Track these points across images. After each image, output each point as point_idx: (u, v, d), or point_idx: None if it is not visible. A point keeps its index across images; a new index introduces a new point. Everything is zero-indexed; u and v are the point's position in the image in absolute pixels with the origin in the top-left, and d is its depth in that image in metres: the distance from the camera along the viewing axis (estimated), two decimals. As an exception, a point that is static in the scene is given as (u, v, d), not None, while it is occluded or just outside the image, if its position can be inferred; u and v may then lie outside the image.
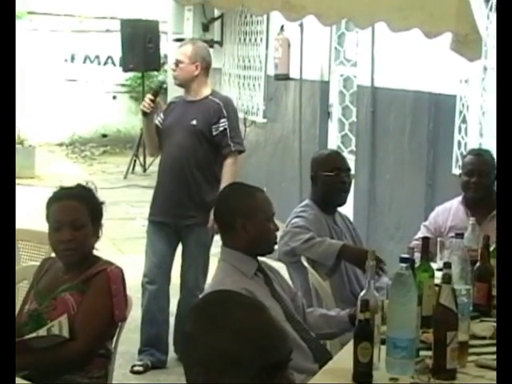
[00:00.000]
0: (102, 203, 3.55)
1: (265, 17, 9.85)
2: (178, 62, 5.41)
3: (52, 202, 3.49)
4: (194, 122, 5.33)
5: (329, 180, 4.44)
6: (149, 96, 5.41)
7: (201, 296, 3.39)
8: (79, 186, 3.59)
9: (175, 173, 5.33)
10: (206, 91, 5.46)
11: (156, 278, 5.38)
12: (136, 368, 5.33)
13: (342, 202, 4.57)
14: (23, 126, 13.17)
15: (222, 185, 5.06)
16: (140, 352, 5.39)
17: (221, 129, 5.33)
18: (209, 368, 1.75)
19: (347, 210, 5.65)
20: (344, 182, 4.49)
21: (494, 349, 3.28)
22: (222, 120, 5.34)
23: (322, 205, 4.49)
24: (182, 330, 1.87)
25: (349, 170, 4.59)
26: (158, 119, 5.50)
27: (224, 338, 1.76)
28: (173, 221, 5.34)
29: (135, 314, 3.64)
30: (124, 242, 8.49)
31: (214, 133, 5.33)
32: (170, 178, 5.37)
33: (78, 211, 3.42)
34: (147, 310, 5.37)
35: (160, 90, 5.56)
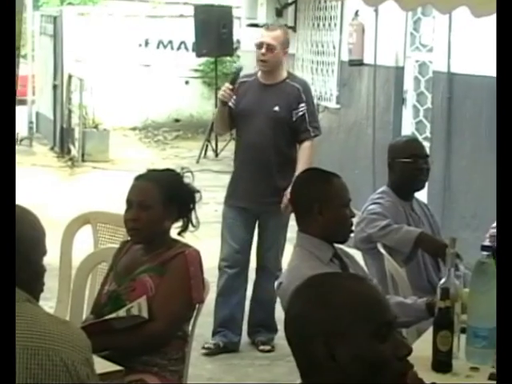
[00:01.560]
0: (195, 191, 3.57)
1: (339, 2, 9.78)
2: (270, 47, 5.31)
3: (132, 182, 3.55)
4: (277, 109, 5.31)
5: (406, 167, 4.41)
6: (227, 85, 5.34)
7: (279, 280, 3.39)
8: (167, 169, 3.64)
9: (256, 160, 5.35)
10: (284, 74, 5.47)
11: (236, 262, 5.45)
12: (207, 345, 5.39)
13: (420, 187, 4.55)
14: (98, 110, 13.34)
15: (300, 168, 5.10)
16: (214, 333, 5.45)
17: (300, 114, 5.34)
18: (328, 339, 1.86)
19: (421, 196, 5.60)
20: (421, 169, 4.46)
21: None
22: (302, 105, 5.34)
23: (400, 192, 4.45)
24: (288, 310, 1.96)
25: (427, 156, 4.55)
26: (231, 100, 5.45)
27: (339, 308, 1.88)
28: (254, 206, 5.39)
29: (209, 298, 3.67)
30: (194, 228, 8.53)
31: (294, 118, 5.35)
32: (250, 164, 5.38)
33: (147, 192, 3.45)
34: (223, 292, 5.44)
35: (237, 78, 5.48)
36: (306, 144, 5.37)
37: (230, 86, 5.30)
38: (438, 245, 4.06)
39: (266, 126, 5.32)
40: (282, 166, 5.36)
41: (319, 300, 1.90)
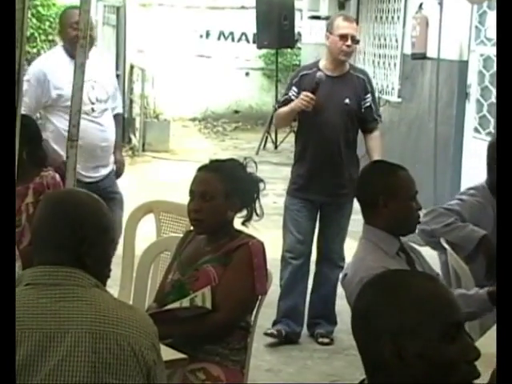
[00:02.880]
0: (258, 180, 3.58)
1: (403, -6, 9.71)
2: (354, 39, 5.38)
3: (195, 173, 3.56)
4: (347, 101, 5.35)
5: None
6: (308, 94, 5.22)
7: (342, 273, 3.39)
8: (230, 160, 3.65)
9: (326, 152, 5.37)
10: (348, 65, 5.52)
11: (300, 253, 5.48)
12: (270, 331, 5.43)
13: None
14: (159, 101, 13.43)
15: (376, 157, 5.23)
16: (276, 322, 5.47)
17: (367, 104, 5.44)
18: (396, 337, 1.84)
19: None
20: None
21: None
22: (368, 95, 5.45)
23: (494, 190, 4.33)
24: (356, 305, 1.95)
25: None
26: (291, 92, 5.40)
27: (408, 306, 1.86)
28: (320, 197, 5.43)
29: (270, 289, 3.67)
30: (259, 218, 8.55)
31: (362, 109, 5.42)
32: (320, 157, 5.38)
33: (209, 183, 3.47)
34: (288, 283, 5.48)
35: (318, 88, 5.28)
36: (376, 133, 5.51)
37: (312, 96, 5.21)
38: (494, 256, 3.96)
39: (337, 119, 5.35)
40: (349, 157, 5.42)
41: (388, 296, 1.89)
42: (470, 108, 8.60)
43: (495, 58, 8.18)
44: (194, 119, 15.53)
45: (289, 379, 5.04)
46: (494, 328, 2.96)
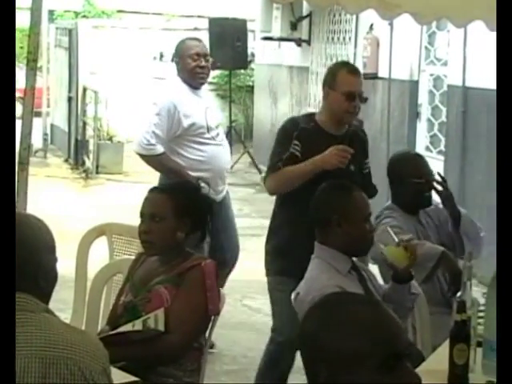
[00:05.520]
0: (211, 202, 3.58)
1: (354, 15, 9.80)
2: (362, 98, 4.33)
3: (146, 195, 3.56)
4: (352, 168, 4.35)
5: (419, 187, 4.36)
6: (346, 148, 4.20)
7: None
8: (182, 181, 3.65)
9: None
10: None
11: None
12: None
13: (429, 205, 4.48)
14: (113, 123, 13.38)
15: None
16: None
17: (367, 170, 4.58)
18: (332, 365, 1.83)
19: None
20: (430, 188, 4.42)
21: None
22: (367, 160, 4.60)
23: (407, 207, 4.40)
24: (301, 327, 1.95)
25: (432, 173, 4.49)
26: (292, 147, 4.26)
27: (346, 335, 1.84)
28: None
29: (224, 309, 3.68)
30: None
31: (363, 175, 4.53)
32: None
33: (159, 204, 3.46)
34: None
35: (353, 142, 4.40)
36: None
37: (350, 150, 4.20)
38: (457, 270, 4.00)
39: None
40: None
41: (329, 324, 1.88)
42: (421, 127, 8.71)
43: (445, 78, 8.29)
44: (149, 141, 15.46)
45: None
46: (446, 344, 2.99)
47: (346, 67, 4.45)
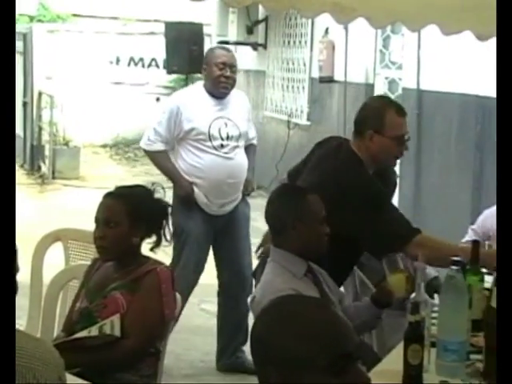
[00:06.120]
0: (166, 206, 3.57)
1: (309, 20, 9.85)
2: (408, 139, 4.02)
3: (101, 200, 3.54)
4: None
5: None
6: None
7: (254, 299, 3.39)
8: (136, 186, 3.64)
9: None
10: None
11: None
12: None
13: None
14: (68, 128, 13.29)
15: None
16: None
17: None
18: (281, 367, 1.85)
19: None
20: None
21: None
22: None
23: None
24: (252, 329, 1.97)
25: None
26: None
27: (295, 337, 1.86)
28: None
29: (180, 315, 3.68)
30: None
31: None
32: None
33: (113, 210, 3.46)
34: None
35: None
36: None
37: None
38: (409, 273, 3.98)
39: None
40: None
41: (279, 326, 1.89)
42: (377, 130, 8.76)
43: (399, 81, 8.37)
44: (104, 145, 15.41)
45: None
46: (400, 345, 3.01)
47: (393, 107, 3.94)
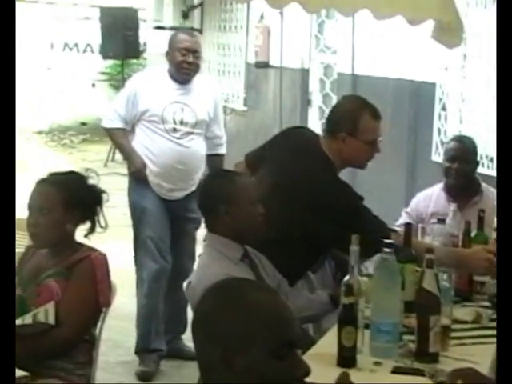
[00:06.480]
0: (101, 192, 3.54)
1: (245, 4, 9.83)
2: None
3: (33, 187, 3.50)
4: None
5: None
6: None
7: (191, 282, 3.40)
8: (70, 172, 3.60)
9: None
10: None
11: None
12: None
13: None
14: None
15: None
16: None
17: None
18: (225, 347, 1.86)
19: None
20: None
21: (475, 333, 3.34)
22: None
23: None
24: (197, 308, 1.97)
25: None
26: None
27: (241, 319, 1.87)
28: None
29: (117, 301, 3.65)
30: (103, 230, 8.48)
31: None
32: None
33: (45, 196, 3.41)
34: None
35: None
36: None
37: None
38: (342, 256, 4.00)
39: None
40: None
41: (226, 306, 1.90)
42: (313, 115, 8.82)
43: (334, 66, 8.42)
44: (39, 132, 15.22)
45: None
46: (334, 329, 3.05)
47: (369, 111, 3.85)
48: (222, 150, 5.58)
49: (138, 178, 5.25)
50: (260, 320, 1.87)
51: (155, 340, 5.26)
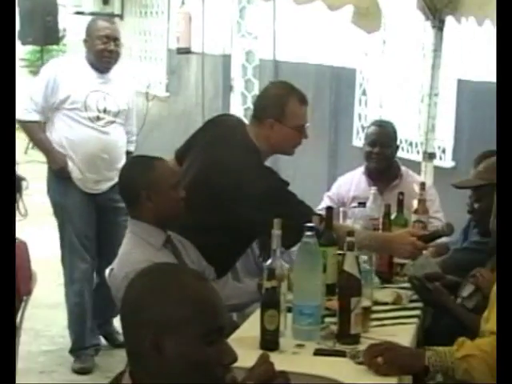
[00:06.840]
0: (19, 179, 3.49)
1: (166, -10, 9.79)
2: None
3: None
4: None
5: None
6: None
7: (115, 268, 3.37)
8: None
9: None
10: None
11: None
12: None
13: None
14: None
15: None
16: None
17: None
18: (155, 332, 1.86)
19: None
20: None
21: (395, 314, 3.39)
22: None
23: None
24: (125, 294, 1.96)
25: None
26: None
27: (173, 303, 1.87)
28: None
29: (38, 290, 3.61)
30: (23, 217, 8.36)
31: None
32: None
33: None
34: None
35: None
36: None
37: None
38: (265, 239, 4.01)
39: None
40: None
41: (156, 290, 1.90)
42: (235, 100, 8.83)
43: (256, 52, 8.44)
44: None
45: (63, 379, 4.97)
46: (257, 312, 3.06)
47: (296, 96, 3.76)
48: (132, 148, 5.46)
49: (60, 176, 5.09)
50: (190, 305, 1.87)
51: (90, 337, 5.20)
